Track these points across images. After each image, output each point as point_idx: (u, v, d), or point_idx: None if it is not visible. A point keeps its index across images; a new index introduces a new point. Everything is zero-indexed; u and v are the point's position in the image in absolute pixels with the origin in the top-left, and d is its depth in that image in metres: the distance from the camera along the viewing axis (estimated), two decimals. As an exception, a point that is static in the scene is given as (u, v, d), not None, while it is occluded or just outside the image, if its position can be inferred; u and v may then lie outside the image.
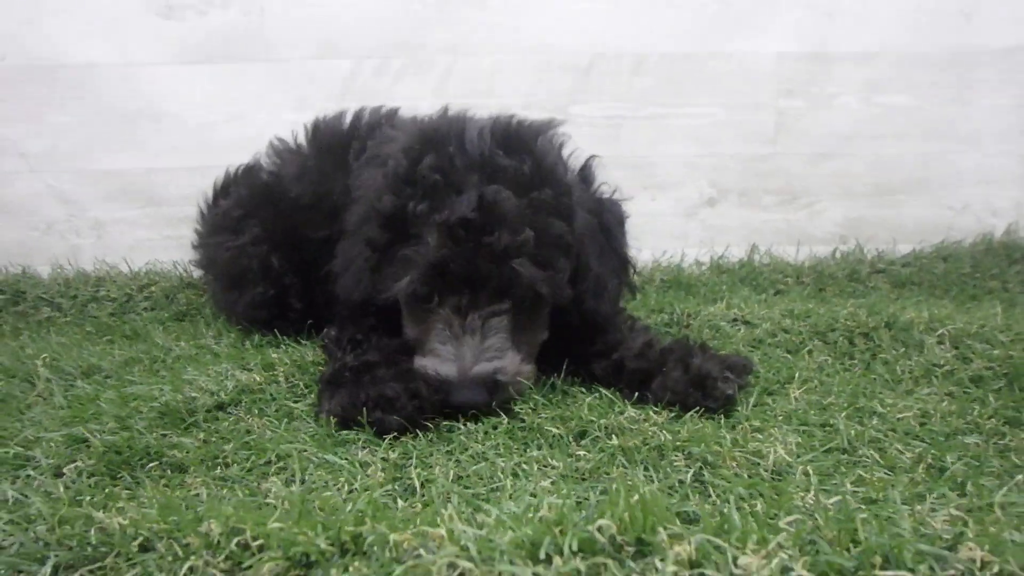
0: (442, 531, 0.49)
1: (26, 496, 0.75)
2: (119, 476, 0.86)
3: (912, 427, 0.94)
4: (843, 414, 0.97)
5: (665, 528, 0.48)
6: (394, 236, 1.06)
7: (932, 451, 0.86)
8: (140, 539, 0.58)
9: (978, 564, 0.47)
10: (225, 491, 0.81)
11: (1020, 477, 0.76)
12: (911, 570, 0.45)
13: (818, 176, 2.08)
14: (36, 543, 0.60)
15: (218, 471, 0.87)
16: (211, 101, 2.02)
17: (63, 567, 0.58)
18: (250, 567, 0.51)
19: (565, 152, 1.19)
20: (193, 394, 1.11)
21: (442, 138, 1.08)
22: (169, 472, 0.88)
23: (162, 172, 2.07)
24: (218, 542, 0.54)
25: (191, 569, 0.53)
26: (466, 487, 0.77)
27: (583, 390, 1.11)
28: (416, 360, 1.08)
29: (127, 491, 0.81)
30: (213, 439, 0.96)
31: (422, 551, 0.47)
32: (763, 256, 2.06)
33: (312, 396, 1.12)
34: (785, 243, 2.09)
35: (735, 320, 1.44)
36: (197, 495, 0.77)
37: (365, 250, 1.11)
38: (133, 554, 0.56)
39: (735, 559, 0.45)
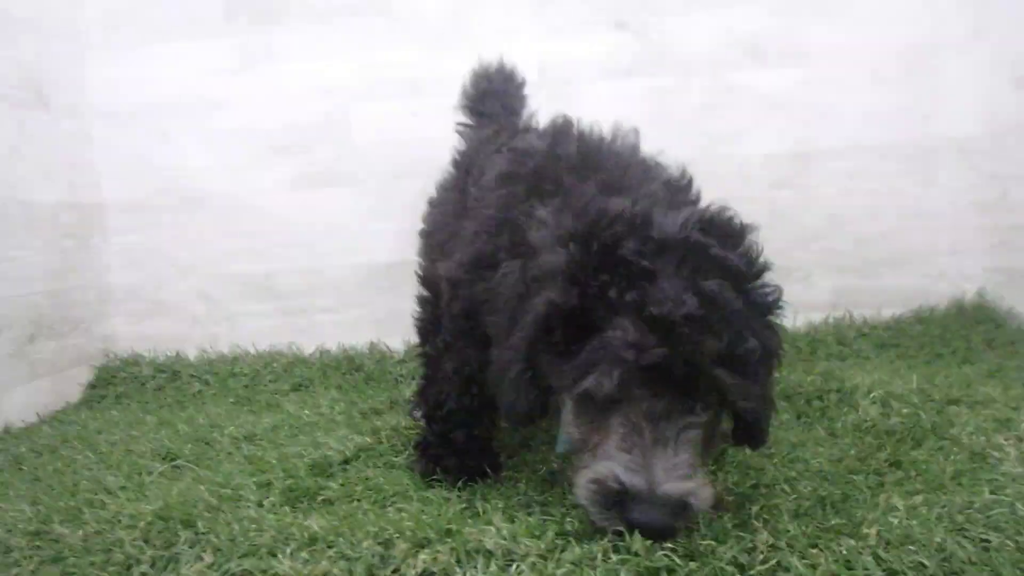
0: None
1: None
2: (297, 507, 1.35)
3: (823, 468, 1.34)
4: (775, 460, 1.38)
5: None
6: (574, 332, 0.94)
7: (826, 484, 1.26)
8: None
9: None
10: (360, 516, 1.29)
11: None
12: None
13: (809, 253, 2.48)
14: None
15: (355, 504, 1.34)
16: (314, 216, 2.61)
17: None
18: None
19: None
20: (327, 453, 1.60)
21: (631, 219, 0.98)
22: (323, 504, 1.37)
23: (279, 274, 2.66)
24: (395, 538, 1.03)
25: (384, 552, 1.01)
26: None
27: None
28: (592, 464, 0.96)
29: (303, 515, 1.30)
30: (347, 483, 1.44)
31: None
32: (764, 324, 2.44)
33: (405, 453, 1.60)
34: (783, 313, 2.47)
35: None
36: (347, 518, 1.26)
37: (523, 354, 0.99)
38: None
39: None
